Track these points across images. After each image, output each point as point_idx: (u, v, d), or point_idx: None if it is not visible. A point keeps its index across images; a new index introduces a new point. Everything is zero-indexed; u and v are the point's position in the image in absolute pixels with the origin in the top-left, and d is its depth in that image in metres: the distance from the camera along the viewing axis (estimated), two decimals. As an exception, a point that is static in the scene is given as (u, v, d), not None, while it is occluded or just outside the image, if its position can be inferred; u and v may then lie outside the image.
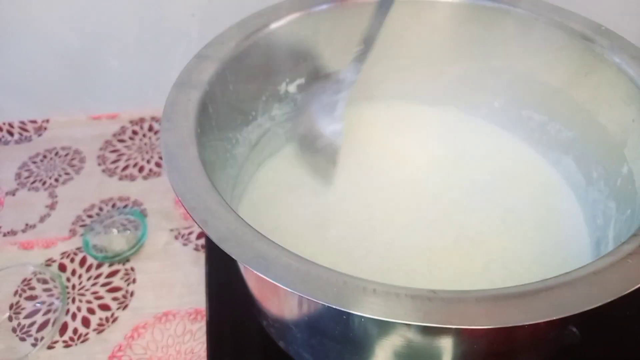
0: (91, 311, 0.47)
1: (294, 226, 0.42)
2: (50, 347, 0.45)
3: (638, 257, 0.26)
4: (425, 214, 0.42)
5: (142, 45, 0.60)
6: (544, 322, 0.24)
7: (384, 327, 0.29)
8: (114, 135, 0.64)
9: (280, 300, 0.33)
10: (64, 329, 0.46)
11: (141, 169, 0.60)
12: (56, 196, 0.57)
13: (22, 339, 0.45)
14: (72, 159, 0.61)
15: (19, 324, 0.46)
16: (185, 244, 0.52)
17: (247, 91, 0.42)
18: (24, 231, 0.54)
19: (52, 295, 0.48)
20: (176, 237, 0.53)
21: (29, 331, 0.46)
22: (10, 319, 0.47)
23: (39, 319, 0.47)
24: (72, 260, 0.51)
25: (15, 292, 0.48)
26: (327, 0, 0.44)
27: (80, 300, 0.48)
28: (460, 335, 0.29)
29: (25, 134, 0.65)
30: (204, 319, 0.46)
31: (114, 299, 0.48)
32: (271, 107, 0.46)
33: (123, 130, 0.65)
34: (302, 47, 0.45)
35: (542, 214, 0.43)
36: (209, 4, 0.57)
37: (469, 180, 0.45)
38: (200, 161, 0.31)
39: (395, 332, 0.29)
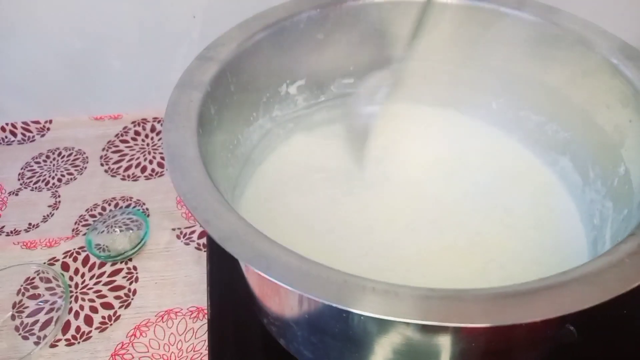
0: (94, 310, 0.47)
1: (294, 226, 0.42)
2: (53, 346, 0.45)
3: (635, 256, 0.26)
4: (424, 214, 0.43)
5: (144, 47, 0.61)
6: (541, 321, 0.24)
7: (384, 325, 0.29)
8: (117, 135, 0.65)
9: (281, 298, 0.33)
10: (66, 327, 0.46)
11: (143, 169, 0.60)
12: (59, 196, 0.58)
13: (25, 338, 0.46)
14: (75, 159, 0.62)
15: (22, 323, 0.47)
16: (187, 243, 0.52)
17: (248, 92, 0.43)
18: (27, 231, 0.54)
19: (54, 294, 0.48)
20: (178, 237, 0.53)
21: (32, 330, 0.46)
22: (13, 317, 0.47)
23: (42, 317, 0.47)
24: (74, 260, 0.51)
25: (18, 291, 0.49)
26: (326, 3, 0.44)
27: (83, 299, 0.48)
28: (459, 333, 0.29)
29: (28, 134, 0.65)
30: (206, 317, 0.46)
31: (117, 297, 0.48)
32: (272, 108, 0.46)
33: (125, 130, 0.65)
34: (302, 48, 0.45)
35: (540, 214, 0.43)
36: (210, 6, 0.57)
37: (467, 180, 0.45)
38: (202, 161, 0.32)
39: (394, 330, 0.29)
